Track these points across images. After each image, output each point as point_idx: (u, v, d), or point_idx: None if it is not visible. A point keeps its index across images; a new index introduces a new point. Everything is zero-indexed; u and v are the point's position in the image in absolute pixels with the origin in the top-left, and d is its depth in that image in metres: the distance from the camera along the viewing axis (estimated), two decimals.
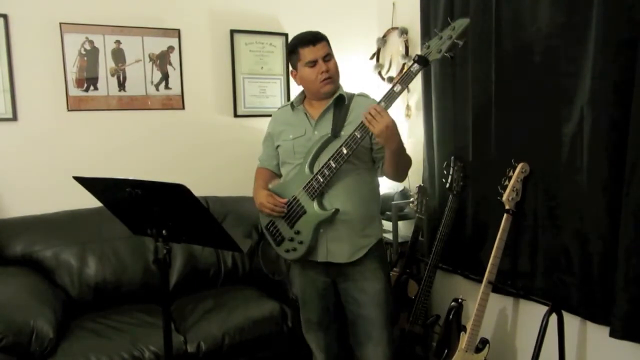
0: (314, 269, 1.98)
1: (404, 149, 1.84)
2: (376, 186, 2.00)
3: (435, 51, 1.68)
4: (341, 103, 1.91)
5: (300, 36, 1.89)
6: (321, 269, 1.96)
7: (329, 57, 1.86)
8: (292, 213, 1.87)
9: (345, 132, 1.82)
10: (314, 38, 1.85)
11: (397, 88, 1.70)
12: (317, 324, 2.07)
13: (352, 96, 1.94)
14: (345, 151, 1.75)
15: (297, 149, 1.91)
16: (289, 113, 1.99)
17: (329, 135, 1.85)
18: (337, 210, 1.82)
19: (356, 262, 1.90)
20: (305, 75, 1.87)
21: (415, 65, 1.69)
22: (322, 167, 1.79)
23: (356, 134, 1.73)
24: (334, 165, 1.77)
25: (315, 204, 1.82)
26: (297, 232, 1.88)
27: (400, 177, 1.94)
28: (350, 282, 1.93)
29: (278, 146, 2.00)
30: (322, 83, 1.86)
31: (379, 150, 1.88)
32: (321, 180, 1.79)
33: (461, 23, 1.66)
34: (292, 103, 1.99)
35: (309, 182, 1.82)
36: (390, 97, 1.71)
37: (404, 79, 1.70)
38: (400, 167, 1.87)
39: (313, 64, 1.84)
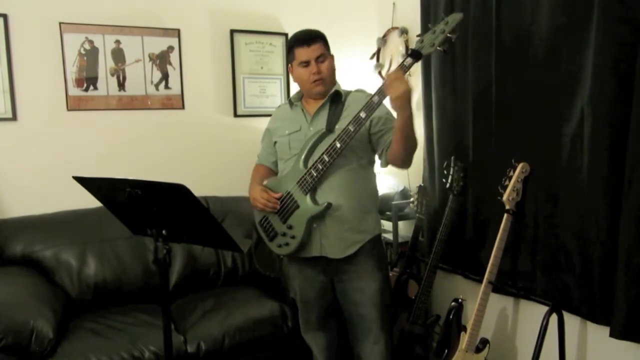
0: (312, 269, 1.98)
1: (412, 123, 1.77)
2: (372, 182, 2.00)
3: (428, 45, 1.69)
4: (337, 99, 1.92)
5: (297, 35, 1.91)
6: (319, 269, 1.97)
7: (322, 57, 1.88)
8: (285, 208, 1.88)
9: (340, 127, 1.83)
10: (309, 38, 1.87)
11: None
12: (316, 324, 2.08)
13: (348, 93, 1.96)
14: (338, 145, 1.76)
15: (292, 144, 1.93)
16: (287, 110, 2.02)
17: (324, 130, 1.87)
18: (329, 205, 1.81)
19: (353, 260, 1.90)
20: (298, 74, 1.91)
21: (409, 59, 1.71)
22: (316, 161, 1.80)
23: (350, 127, 1.74)
24: (327, 160, 1.78)
25: (308, 199, 1.83)
26: (290, 227, 1.88)
27: (407, 158, 1.86)
28: (347, 281, 1.94)
29: (275, 142, 2.02)
30: (313, 84, 1.89)
31: (380, 137, 1.88)
32: (314, 174, 1.80)
33: (454, 18, 1.67)
34: (289, 100, 2.01)
35: (303, 176, 1.83)
36: (382, 92, 1.71)
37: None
38: (408, 145, 1.80)
39: (306, 64, 1.87)
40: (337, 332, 2.14)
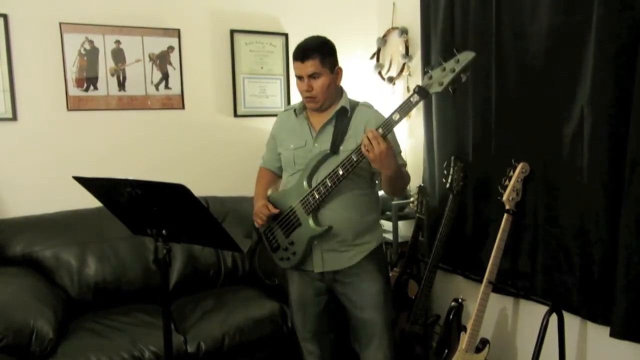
0: (311, 274, 1.96)
1: (400, 172, 1.81)
2: (375, 195, 1.99)
3: (437, 83, 1.62)
4: (343, 114, 1.89)
5: (296, 48, 1.86)
6: (318, 274, 1.95)
7: (316, 75, 1.81)
8: (289, 223, 1.88)
9: (344, 147, 1.82)
10: (304, 55, 1.82)
11: (396, 117, 1.67)
12: (312, 332, 2.05)
13: (355, 105, 1.91)
14: (341, 172, 1.74)
15: (297, 160, 1.92)
16: (293, 119, 1.98)
17: (328, 151, 1.85)
18: (330, 228, 1.82)
19: (353, 265, 1.90)
20: (297, 85, 1.90)
21: (415, 96, 1.65)
22: (319, 184, 1.79)
23: (353, 156, 1.72)
24: (329, 184, 1.77)
25: (310, 219, 1.82)
26: (292, 243, 1.89)
27: (396, 195, 2.01)
28: (348, 284, 1.93)
29: (280, 153, 2.01)
30: (306, 99, 1.88)
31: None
32: (317, 197, 1.79)
33: (466, 56, 1.58)
34: (294, 110, 1.97)
35: (305, 196, 1.82)
36: (388, 125, 1.68)
37: (403, 109, 1.67)
38: (397, 187, 1.89)
39: (300, 78, 1.85)
40: (335, 344, 2.11)
